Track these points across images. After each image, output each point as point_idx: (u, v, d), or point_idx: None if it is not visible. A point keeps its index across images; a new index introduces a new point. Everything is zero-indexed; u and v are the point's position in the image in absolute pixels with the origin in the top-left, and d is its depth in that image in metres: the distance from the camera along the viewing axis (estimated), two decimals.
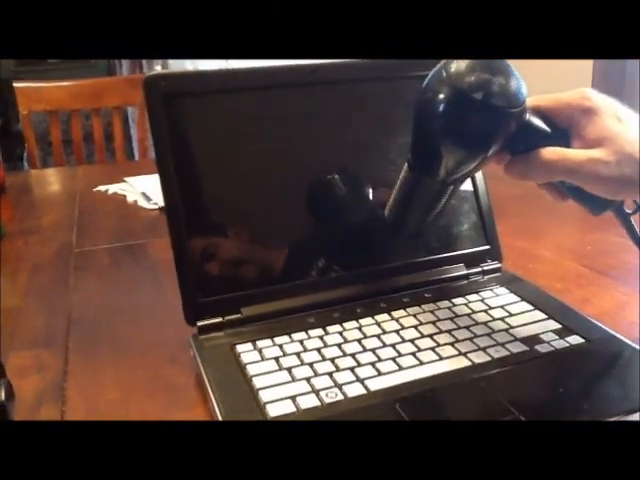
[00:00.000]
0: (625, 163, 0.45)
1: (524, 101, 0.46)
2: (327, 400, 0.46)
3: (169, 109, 0.56)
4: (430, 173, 0.49)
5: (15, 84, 1.69)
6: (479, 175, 0.67)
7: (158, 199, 1.04)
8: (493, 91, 0.44)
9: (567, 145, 0.48)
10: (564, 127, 0.49)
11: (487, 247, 0.67)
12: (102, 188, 1.16)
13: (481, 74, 0.45)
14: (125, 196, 1.11)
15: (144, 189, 1.10)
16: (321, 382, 0.48)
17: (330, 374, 0.49)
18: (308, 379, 0.49)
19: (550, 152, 0.47)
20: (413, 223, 0.54)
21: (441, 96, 0.45)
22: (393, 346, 0.53)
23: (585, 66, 2.04)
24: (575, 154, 0.46)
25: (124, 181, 1.18)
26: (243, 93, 0.59)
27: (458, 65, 0.45)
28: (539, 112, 0.49)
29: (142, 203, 1.06)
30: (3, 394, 0.38)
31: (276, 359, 0.51)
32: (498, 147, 0.47)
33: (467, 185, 0.67)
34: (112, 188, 1.15)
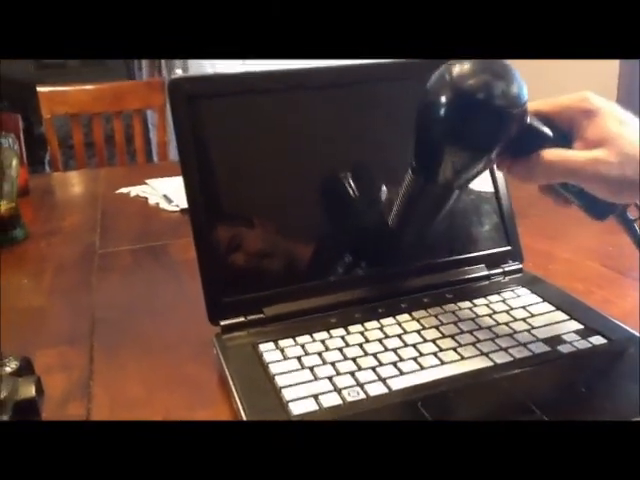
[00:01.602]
0: (626, 164, 0.45)
1: (525, 102, 0.46)
2: (349, 399, 0.47)
3: (192, 110, 0.56)
4: (434, 178, 0.50)
5: (38, 88, 1.71)
6: (500, 176, 0.67)
7: (179, 201, 1.05)
8: (495, 92, 0.45)
9: (569, 147, 0.48)
10: (565, 129, 0.49)
11: (508, 248, 0.67)
12: (124, 190, 1.17)
13: (483, 76, 0.45)
14: (147, 198, 1.12)
15: (165, 191, 1.11)
16: (343, 381, 0.49)
17: (352, 373, 0.50)
18: (330, 378, 0.49)
19: (551, 153, 0.47)
20: (418, 228, 0.54)
21: (443, 99, 0.46)
22: (414, 346, 0.53)
23: (611, 67, 2.03)
24: (576, 155, 0.47)
25: (145, 183, 1.19)
26: (265, 95, 0.60)
27: (459, 68, 0.46)
28: (540, 115, 0.49)
29: (163, 205, 1.07)
30: (34, 389, 0.39)
31: (298, 358, 0.52)
32: (500, 150, 0.47)
33: (488, 186, 0.67)
34: (134, 190, 1.16)
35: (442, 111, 0.46)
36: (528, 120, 0.48)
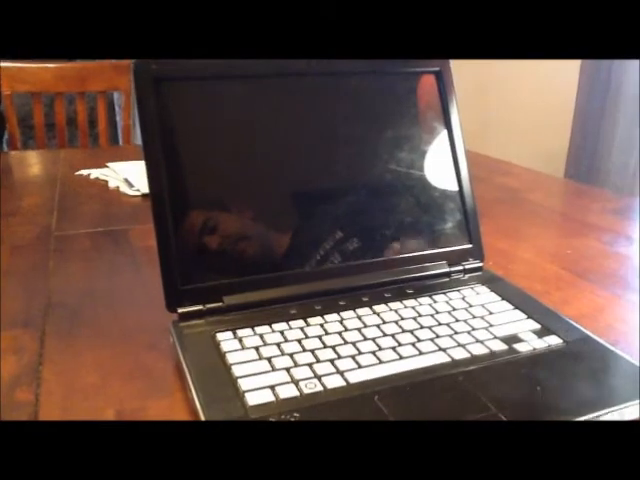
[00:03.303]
0: None
1: None
2: (306, 391, 0.46)
3: (158, 93, 0.55)
4: None
5: None
6: (465, 175, 0.67)
7: (140, 185, 1.03)
8: None
9: None
10: None
11: (470, 246, 0.67)
12: (84, 172, 1.15)
13: None
14: (107, 181, 1.10)
15: (127, 175, 1.09)
16: (301, 373, 0.48)
17: (310, 365, 0.49)
18: (288, 369, 0.49)
19: None
20: None
21: None
22: (373, 340, 0.53)
23: (572, 68, 2.06)
24: None
25: (106, 166, 1.17)
26: (234, 80, 0.59)
27: None
28: None
29: (124, 189, 1.05)
30: None
31: (256, 348, 0.51)
32: None
33: (452, 184, 0.67)
34: (94, 173, 1.14)
35: None
36: None
